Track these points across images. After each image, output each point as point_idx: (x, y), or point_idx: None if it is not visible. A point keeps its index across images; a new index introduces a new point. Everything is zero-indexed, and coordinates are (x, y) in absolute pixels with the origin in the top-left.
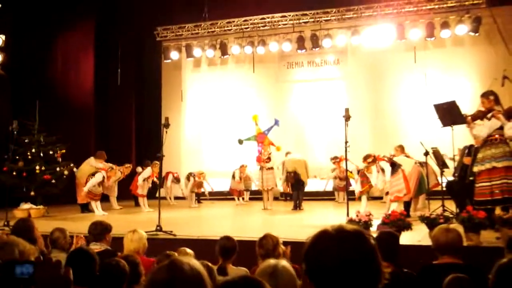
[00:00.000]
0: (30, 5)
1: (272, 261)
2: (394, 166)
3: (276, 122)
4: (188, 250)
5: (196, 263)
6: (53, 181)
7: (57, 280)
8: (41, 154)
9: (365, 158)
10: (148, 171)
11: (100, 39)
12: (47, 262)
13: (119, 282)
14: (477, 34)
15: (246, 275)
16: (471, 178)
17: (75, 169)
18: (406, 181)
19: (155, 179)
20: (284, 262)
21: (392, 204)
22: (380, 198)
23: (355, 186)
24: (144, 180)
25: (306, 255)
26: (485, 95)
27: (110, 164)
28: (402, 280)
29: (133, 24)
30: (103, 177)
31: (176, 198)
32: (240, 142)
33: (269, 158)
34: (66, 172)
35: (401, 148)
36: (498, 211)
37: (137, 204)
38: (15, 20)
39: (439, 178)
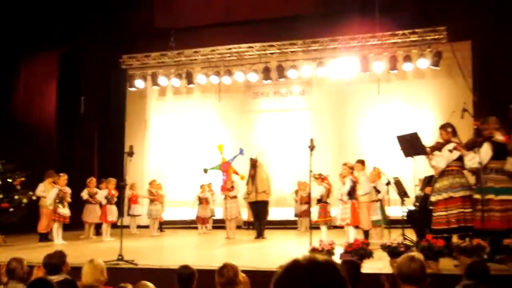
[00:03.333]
0: None
1: None
2: (350, 194)
3: (241, 151)
4: (149, 284)
5: None
6: (11, 209)
7: None
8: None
9: (345, 164)
10: (104, 191)
11: (64, 66)
12: None
13: None
14: (438, 68)
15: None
16: (431, 207)
17: (34, 197)
18: (353, 211)
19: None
20: None
21: (350, 231)
22: (342, 227)
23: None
24: (106, 198)
25: (276, 285)
26: (443, 127)
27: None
28: None
29: (98, 52)
30: (59, 190)
31: (139, 227)
32: (205, 171)
33: (232, 187)
34: (25, 201)
35: (362, 164)
36: (455, 239)
37: (97, 233)
38: None
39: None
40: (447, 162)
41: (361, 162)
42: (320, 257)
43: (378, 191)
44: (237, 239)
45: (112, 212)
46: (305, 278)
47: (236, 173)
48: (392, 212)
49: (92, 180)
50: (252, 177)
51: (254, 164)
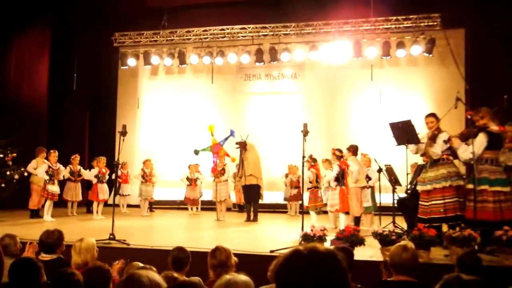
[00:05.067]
0: None
1: (228, 276)
2: (338, 180)
3: (232, 133)
4: (141, 265)
5: (155, 276)
6: (3, 185)
7: None
8: None
9: (338, 150)
10: (95, 169)
11: (56, 43)
12: None
13: None
14: (431, 55)
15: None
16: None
17: (25, 174)
18: (341, 197)
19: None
20: (243, 277)
21: (341, 218)
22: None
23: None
24: (96, 177)
25: (277, 274)
26: (433, 116)
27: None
28: None
29: (90, 29)
30: (49, 166)
31: (129, 206)
32: (196, 152)
33: (223, 170)
34: (16, 176)
35: (353, 149)
36: (446, 228)
37: (89, 211)
38: None
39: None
40: (441, 151)
41: (351, 148)
42: (321, 246)
43: (369, 178)
44: (227, 222)
45: (104, 191)
46: (306, 268)
47: (227, 155)
48: (383, 200)
49: (76, 158)
50: (241, 160)
51: (243, 147)
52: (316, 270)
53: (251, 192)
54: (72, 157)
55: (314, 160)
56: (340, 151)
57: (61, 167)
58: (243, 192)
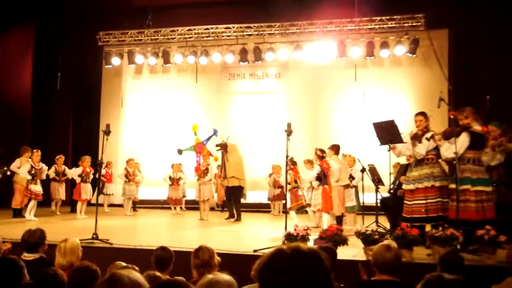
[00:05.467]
0: None
1: (211, 275)
2: (320, 180)
3: (215, 132)
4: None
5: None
6: None
7: None
8: None
9: (320, 150)
10: (79, 169)
11: (40, 42)
12: None
13: None
14: (414, 56)
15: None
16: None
17: (8, 173)
18: (324, 197)
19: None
20: (226, 276)
21: (324, 217)
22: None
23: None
24: (80, 177)
25: (261, 273)
26: (422, 115)
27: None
28: None
29: (75, 28)
30: (31, 166)
31: (112, 205)
32: (180, 152)
33: (207, 169)
34: None
35: (335, 148)
36: (428, 228)
37: (72, 211)
38: None
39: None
40: (426, 150)
41: (333, 147)
42: (304, 246)
43: (352, 178)
44: (210, 221)
45: (87, 190)
46: (289, 267)
47: (210, 154)
48: (366, 199)
49: (61, 158)
50: (223, 162)
51: (224, 148)
52: (299, 269)
53: (234, 193)
54: (57, 157)
55: (294, 163)
56: (323, 151)
57: (44, 166)
58: (225, 192)
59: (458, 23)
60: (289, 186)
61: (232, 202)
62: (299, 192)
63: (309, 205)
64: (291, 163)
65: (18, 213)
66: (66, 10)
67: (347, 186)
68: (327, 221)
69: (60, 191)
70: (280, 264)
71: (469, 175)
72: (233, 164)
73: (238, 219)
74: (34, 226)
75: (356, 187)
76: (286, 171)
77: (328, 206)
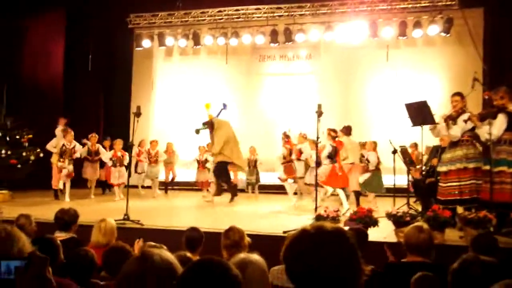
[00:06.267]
0: None
1: (242, 255)
2: (331, 158)
3: (224, 106)
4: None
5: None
6: (19, 166)
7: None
8: (7, 139)
9: (332, 131)
10: (109, 152)
11: (71, 24)
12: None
13: (86, 272)
14: (448, 35)
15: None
16: (438, 178)
17: (41, 155)
18: (330, 174)
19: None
20: (256, 256)
21: (340, 193)
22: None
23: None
24: (111, 160)
25: (286, 254)
26: (459, 95)
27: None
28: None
29: (105, 11)
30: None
31: (142, 187)
32: (197, 132)
33: None
34: (32, 157)
35: (346, 130)
36: (461, 210)
37: (104, 192)
38: None
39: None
40: (462, 132)
41: (345, 128)
42: (329, 225)
43: (368, 161)
44: (238, 202)
45: (123, 175)
46: (314, 247)
47: None
48: (397, 181)
49: (94, 137)
50: (212, 138)
51: (210, 126)
52: (323, 248)
53: (219, 169)
54: (90, 135)
55: (288, 137)
56: (335, 131)
57: (78, 145)
58: (213, 169)
59: (494, 2)
60: (283, 160)
61: (220, 181)
62: (292, 166)
63: (301, 178)
64: (285, 137)
65: (58, 195)
66: None
67: (365, 169)
68: (343, 196)
69: (93, 171)
70: (305, 245)
71: (505, 157)
72: (219, 140)
73: (232, 200)
74: (67, 206)
75: (376, 170)
76: (317, 151)
77: (331, 182)
